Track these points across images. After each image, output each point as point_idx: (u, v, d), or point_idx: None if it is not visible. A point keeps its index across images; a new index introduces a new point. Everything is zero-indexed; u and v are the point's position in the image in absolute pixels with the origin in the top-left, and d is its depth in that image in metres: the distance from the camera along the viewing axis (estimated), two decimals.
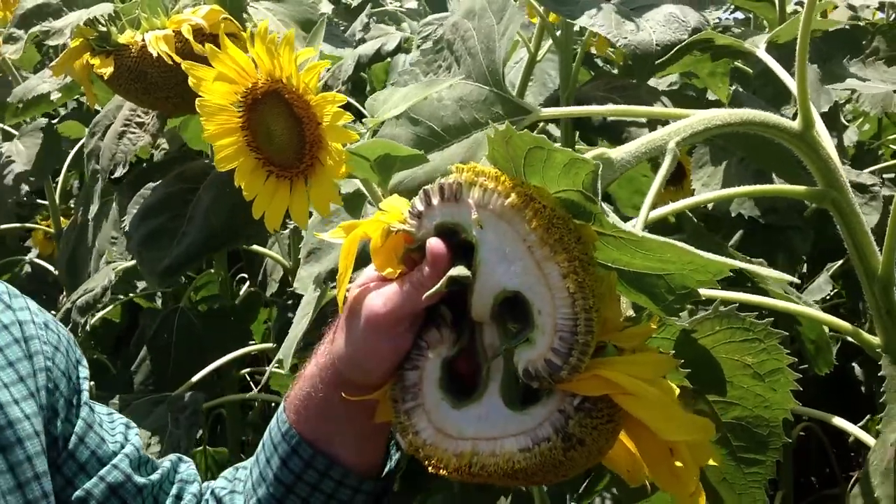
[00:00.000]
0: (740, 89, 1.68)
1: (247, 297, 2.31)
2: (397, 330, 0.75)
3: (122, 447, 0.91)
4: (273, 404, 2.52)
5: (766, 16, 2.15)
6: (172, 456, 0.97)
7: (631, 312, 0.77)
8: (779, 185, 1.00)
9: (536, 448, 0.70)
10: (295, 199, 0.95)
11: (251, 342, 2.23)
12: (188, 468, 0.96)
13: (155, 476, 0.92)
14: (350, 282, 0.79)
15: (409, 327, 0.76)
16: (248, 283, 2.52)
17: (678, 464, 0.72)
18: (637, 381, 0.69)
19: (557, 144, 0.69)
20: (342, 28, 2.28)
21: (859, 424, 1.25)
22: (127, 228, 1.68)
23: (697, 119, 0.81)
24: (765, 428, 0.83)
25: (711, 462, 0.75)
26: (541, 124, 1.37)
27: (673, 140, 0.79)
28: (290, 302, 1.76)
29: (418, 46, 1.55)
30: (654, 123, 1.49)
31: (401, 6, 2.62)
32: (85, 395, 0.91)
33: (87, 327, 1.95)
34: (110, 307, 2.28)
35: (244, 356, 2.10)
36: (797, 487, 2.23)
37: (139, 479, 0.89)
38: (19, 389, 0.83)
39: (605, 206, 0.68)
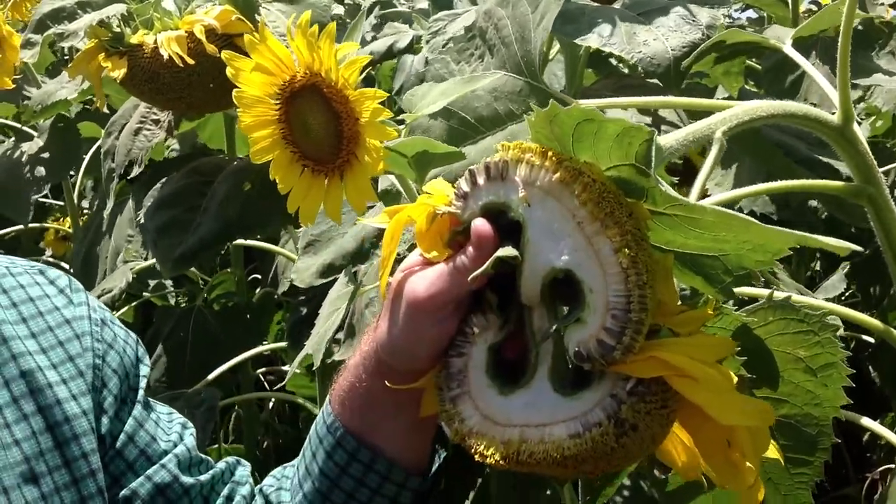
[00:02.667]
0: (746, 87, 1.67)
1: (262, 297, 2.31)
2: (441, 315, 0.73)
3: (175, 446, 0.90)
4: (288, 404, 2.53)
5: (777, 14, 2.15)
6: (231, 458, 0.96)
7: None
8: (813, 181, 0.99)
9: (587, 434, 0.67)
10: (330, 195, 0.95)
11: (266, 342, 2.23)
12: (244, 471, 0.95)
13: (205, 476, 0.90)
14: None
15: (454, 312, 0.74)
16: (261, 284, 2.52)
17: (736, 455, 0.69)
18: (695, 363, 0.66)
19: None
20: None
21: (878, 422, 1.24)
22: (142, 220, 1.68)
23: (743, 109, 0.81)
24: (814, 427, 0.79)
25: (772, 454, 0.72)
26: None
27: (720, 129, 0.78)
28: (301, 298, 1.75)
29: (427, 42, 1.55)
30: (658, 121, 1.49)
31: (412, 6, 2.62)
32: (141, 394, 0.90)
33: None
34: (125, 308, 2.27)
35: (259, 355, 2.11)
36: None
37: (187, 480, 0.88)
38: (78, 384, 0.83)
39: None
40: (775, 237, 0.65)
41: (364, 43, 1.97)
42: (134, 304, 2.34)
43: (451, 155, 0.91)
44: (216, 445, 2.17)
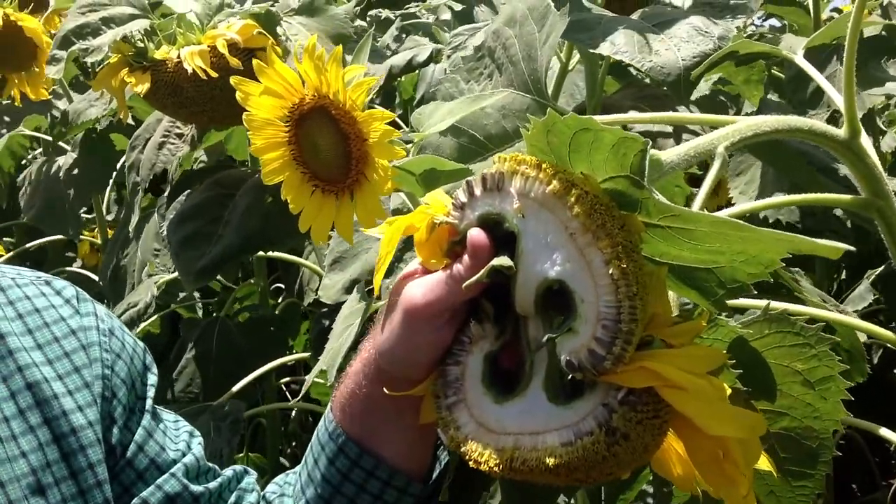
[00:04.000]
0: (770, 97, 1.67)
1: (286, 308, 2.33)
2: (437, 322, 0.74)
3: (184, 455, 0.90)
4: (311, 414, 2.54)
5: (799, 22, 2.14)
6: (238, 467, 0.97)
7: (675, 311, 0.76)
8: (824, 195, 0.98)
9: (579, 442, 0.68)
10: (341, 214, 0.96)
11: (291, 352, 2.25)
12: (250, 479, 0.96)
13: (213, 484, 0.91)
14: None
15: (450, 320, 0.75)
16: (284, 294, 2.54)
17: (729, 466, 0.70)
18: (684, 374, 0.67)
19: None
20: (376, 39, 2.30)
21: None
22: (165, 232, 1.71)
23: (746, 125, 0.80)
24: (814, 440, 0.80)
25: (764, 465, 0.73)
26: None
27: (722, 144, 0.78)
28: (324, 310, 1.77)
29: (448, 57, 1.56)
30: (680, 134, 1.49)
31: (436, 18, 2.64)
32: (149, 403, 0.91)
33: None
34: (151, 319, 2.30)
35: (282, 365, 2.13)
36: (837, 493, 2.21)
37: (196, 488, 0.89)
38: (84, 395, 0.84)
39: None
40: (768, 243, 0.66)
41: (383, 57, 1.99)
42: (160, 315, 2.36)
43: (458, 172, 0.92)
44: (241, 454, 2.19)
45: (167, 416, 0.94)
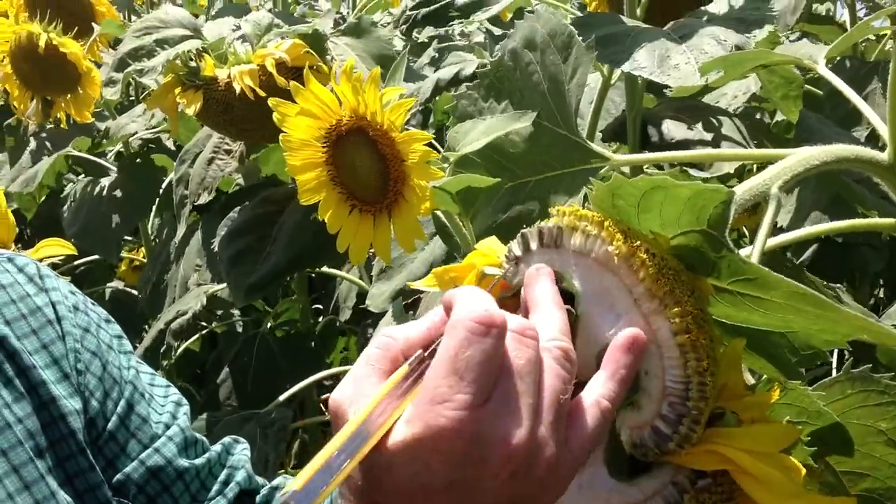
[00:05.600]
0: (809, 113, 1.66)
1: (325, 325, 2.35)
2: None
3: (168, 427, 0.87)
4: None
5: (831, 39, 2.13)
6: (227, 439, 0.93)
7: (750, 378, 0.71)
8: (867, 221, 0.96)
9: None
10: (378, 233, 0.98)
11: (328, 368, 2.27)
12: (241, 451, 0.92)
13: (200, 460, 0.88)
14: None
15: None
16: (322, 312, 2.56)
17: None
18: (757, 462, 0.62)
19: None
20: (412, 62, 2.32)
21: None
22: (216, 248, 1.74)
23: (796, 161, 0.78)
24: None
25: None
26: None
27: (775, 185, 0.76)
28: (369, 321, 1.80)
29: None
30: (718, 143, 1.49)
31: (468, 41, 2.65)
32: (129, 374, 0.87)
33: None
34: (193, 338, 2.33)
35: (319, 381, 2.14)
36: None
37: (181, 463, 0.86)
38: (54, 372, 0.81)
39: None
40: (843, 324, 0.61)
41: (420, 78, 2.01)
42: (200, 334, 2.39)
43: (495, 187, 0.93)
44: (281, 470, 2.21)
45: (157, 385, 0.91)
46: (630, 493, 0.64)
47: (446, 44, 2.30)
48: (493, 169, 0.98)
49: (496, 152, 0.99)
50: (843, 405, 0.74)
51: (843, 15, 2.12)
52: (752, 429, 0.65)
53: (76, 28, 2.08)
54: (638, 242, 0.64)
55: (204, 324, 2.34)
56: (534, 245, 0.68)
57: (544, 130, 0.97)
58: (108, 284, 2.68)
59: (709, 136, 1.51)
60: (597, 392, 0.61)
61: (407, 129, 0.93)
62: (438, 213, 1.04)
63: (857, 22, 1.98)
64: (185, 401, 0.91)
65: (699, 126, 1.53)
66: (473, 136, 0.97)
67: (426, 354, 0.60)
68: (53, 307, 0.84)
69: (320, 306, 2.63)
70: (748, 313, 0.65)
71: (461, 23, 1.88)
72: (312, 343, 2.20)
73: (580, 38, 0.94)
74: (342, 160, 0.97)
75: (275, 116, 0.96)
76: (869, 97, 1.68)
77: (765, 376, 0.71)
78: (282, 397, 1.90)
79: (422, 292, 1.30)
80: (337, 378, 2.48)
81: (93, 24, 2.22)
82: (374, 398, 0.57)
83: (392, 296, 1.36)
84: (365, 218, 0.99)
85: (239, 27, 1.76)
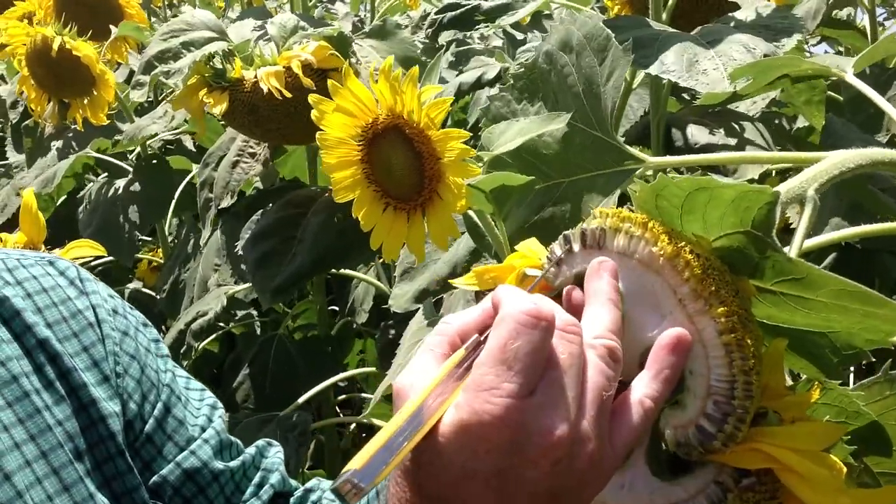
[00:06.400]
0: (834, 118, 1.67)
1: (342, 327, 2.36)
2: None
3: (204, 430, 0.88)
4: (365, 430, 2.56)
5: (854, 44, 2.13)
6: (261, 441, 0.94)
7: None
8: (889, 225, 0.97)
9: None
10: (412, 231, 0.99)
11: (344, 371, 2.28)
12: (275, 454, 0.93)
13: (235, 462, 0.89)
14: None
15: None
16: (338, 314, 2.57)
17: None
18: (803, 459, 0.62)
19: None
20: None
21: None
22: (240, 251, 1.75)
23: (831, 164, 0.78)
24: None
25: None
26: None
27: (811, 187, 0.75)
28: (389, 322, 1.81)
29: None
30: (743, 146, 1.50)
31: (487, 45, 2.67)
32: (166, 377, 0.88)
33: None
34: (211, 337, 2.34)
35: (336, 384, 2.15)
36: None
37: (217, 465, 0.87)
38: (94, 374, 0.82)
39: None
40: (893, 319, 0.61)
41: (441, 81, 2.02)
42: (218, 334, 2.40)
43: (528, 186, 0.94)
44: (299, 471, 2.22)
45: (192, 389, 0.92)
46: (673, 492, 0.64)
47: (464, 48, 2.31)
48: (526, 170, 0.99)
49: (529, 153, 1.00)
50: (882, 406, 0.74)
51: (863, 20, 2.12)
52: (795, 427, 0.65)
53: (91, 31, 2.09)
54: (683, 243, 0.64)
55: (221, 324, 2.35)
56: (576, 247, 0.68)
57: (578, 132, 0.98)
58: (127, 285, 2.69)
59: (732, 142, 1.52)
60: (641, 391, 0.62)
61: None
62: (470, 212, 1.05)
63: (876, 26, 1.99)
64: (220, 404, 0.92)
65: (721, 131, 1.54)
66: (508, 136, 0.98)
67: (482, 339, 0.61)
68: (94, 310, 0.85)
69: (335, 308, 2.64)
70: (790, 314, 0.66)
71: (481, 27, 1.89)
72: (330, 346, 2.21)
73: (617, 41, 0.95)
74: (377, 158, 0.98)
75: (313, 114, 0.97)
76: (892, 101, 1.69)
77: (804, 376, 0.71)
78: (300, 399, 1.92)
79: (445, 293, 1.31)
80: (353, 380, 2.50)
81: (110, 27, 2.24)
82: (431, 382, 0.58)
83: (415, 296, 1.37)
84: (399, 216, 1.00)
85: (264, 29, 1.77)
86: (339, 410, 2.65)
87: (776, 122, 1.93)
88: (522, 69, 1.04)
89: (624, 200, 0.94)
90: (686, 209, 0.64)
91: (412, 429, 0.56)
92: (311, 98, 0.97)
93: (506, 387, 0.57)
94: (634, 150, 0.93)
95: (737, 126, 1.53)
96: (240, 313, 2.45)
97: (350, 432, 2.63)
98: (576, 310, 0.65)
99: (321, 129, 0.98)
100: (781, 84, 1.60)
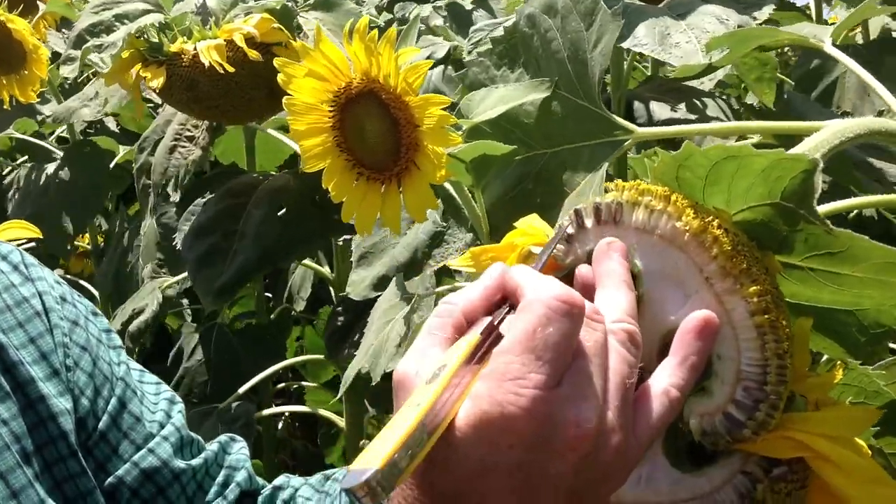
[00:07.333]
0: (796, 94, 1.67)
1: (280, 314, 2.30)
2: None
3: (162, 426, 0.82)
4: (299, 419, 2.51)
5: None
6: (223, 437, 0.88)
7: None
8: (884, 197, 0.95)
9: None
10: (387, 203, 0.94)
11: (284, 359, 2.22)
12: (239, 451, 0.87)
13: (197, 461, 0.83)
14: None
15: None
16: (273, 301, 2.51)
17: None
18: (839, 449, 0.59)
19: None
20: None
21: None
22: (180, 248, 1.66)
23: (831, 133, 0.74)
24: None
25: None
26: None
27: (817, 155, 0.73)
28: (339, 308, 1.75)
29: (468, 52, 1.54)
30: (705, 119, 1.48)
31: (427, 24, 2.62)
32: (120, 370, 0.81)
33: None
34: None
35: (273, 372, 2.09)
36: None
37: (177, 464, 0.81)
38: (43, 368, 0.75)
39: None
40: None
41: None
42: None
43: (510, 155, 0.89)
44: None
45: (147, 382, 0.85)
46: (697, 483, 0.61)
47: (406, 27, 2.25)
48: (507, 140, 0.93)
49: (510, 122, 0.95)
50: None
51: (807, 2, 2.14)
52: (829, 413, 0.61)
53: (21, 6, 2.00)
54: (710, 217, 0.60)
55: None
56: (589, 222, 0.63)
57: (562, 100, 0.93)
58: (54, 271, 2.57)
59: (694, 118, 1.50)
60: (666, 380, 0.58)
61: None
62: (446, 184, 1.00)
63: (821, 8, 2.00)
64: (178, 398, 0.86)
65: (682, 107, 1.52)
66: (488, 104, 0.93)
67: (496, 323, 0.56)
68: (40, 298, 0.77)
69: (269, 294, 2.57)
70: (816, 290, 0.62)
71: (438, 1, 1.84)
72: (270, 334, 2.14)
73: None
74: (350, 125, 0.92)
75: (280, 78, 0.90)
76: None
77: (825, 356, 0.68)
78: (241, 390, 1.85)
79: (407, 279, 1.26)
80: (294, 368, 2.44)
81: (38, 2, 2.13)
82: (448, 371, 0.53)
83: (374, 283, 1.32)
84: (373, 186, 0.94)
85: (203, 2, 1.69)
86: (277, 401, 2.59)
87: (724, 100, 1.93)
88: (502, 32, 1.00)
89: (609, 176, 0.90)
90: (710, 180, 0.60)
91: (434, 423, 0.51)
92: (277, 61, 0.91)
93: (533, 377, 0.53)
94: (623, 121, 0.89)
95: (698, 102, 1.51)
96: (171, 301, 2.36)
97: (285, 421, 2.57)
98: (587, 291, 0.60)
99: (288, 94, 0.92)
100: (742, 63, 1.59)
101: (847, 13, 3.05)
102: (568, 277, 0.63)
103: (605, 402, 0.55)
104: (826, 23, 2.05)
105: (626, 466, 0.57)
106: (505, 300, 0.58)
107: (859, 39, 2.02)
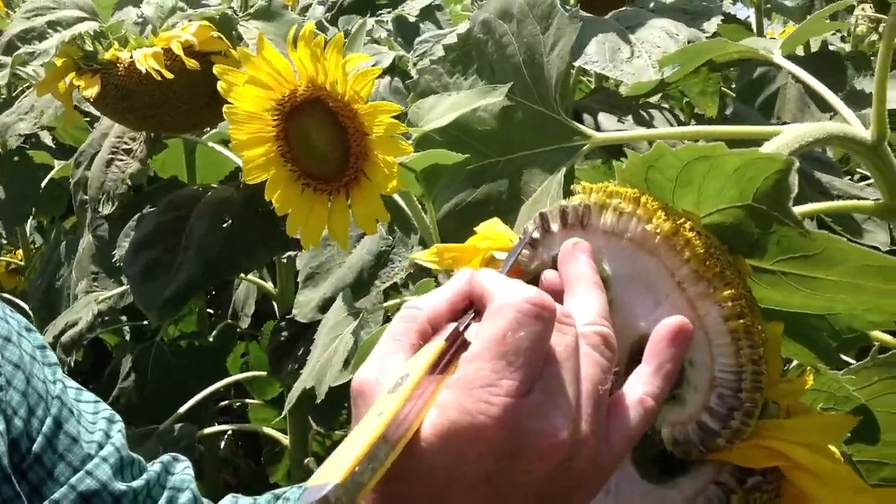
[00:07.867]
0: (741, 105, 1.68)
1: (222, 331, 2.24)
2: None
3: (101, 447, 0.78)
4: (243, 437, 2.45)
5: (736, 38, 2.16)
6: (166, 456, 0.84)
7: None
8: (850, 202, 0.95)
9: None
10: (335, 215, 0.91)
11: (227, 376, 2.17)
12: (183, 471, 0.83)
13: (138, 482, 0.79)
14: None
15: None
16: (216, 317, 2.45)
17: None
18: (817, 457, 0.57)
19: None
20: None
21: None
22: (121, 263, 1.61)
23: (792, 136, 0.73)
24: None
25: None
26: None
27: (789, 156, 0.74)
28: (282, 324, 1.70)
29: (414, 64, 1.51)
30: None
31: (371, 36, 2.60)
32: (56, 388, 0.77)
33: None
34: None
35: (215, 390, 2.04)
36: None
37: (118, 486, 0.77)
38: None
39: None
40: None
41: None
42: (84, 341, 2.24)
43: (462, 165, 0.87)
44: None
45: (85, 398, 0.81)
46: (667, 495, 0.58)
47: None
48: (458, 148, 0.91)
49: (462, 131, 0.92)
50: (870, 392, 0.69)
51: (748, 16, 2.16)
52: (804, 420, 0.60)
53: None
54: (682, 220, 0.58)
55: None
56: (555, 226, 0.61)
57: (518, 106, 0.91)
58: None
59: (641, 130, 1.49)
60: (640, 389, 0.56)
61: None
62: (395, 195, 0.97)
63: (762, 22, 2.02)
64: (117, 417, 0.81)
65: (630, 119, 1.51)
66: (438, 111, 0.90)
67: (462, 329, 0.53)
68: None
69: (211, 311, 2.51)
70: (786, 295, 0.60)
71: (389, 11, 1.82)
72: (212, 352, 2.09)
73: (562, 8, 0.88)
74: (295, 134, 0.89)
75: (220, 86, 0.87)
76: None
77: (794, 362, 0.66)
78: (181, 409, 1.80)
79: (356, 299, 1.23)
80: (238, 385, 2.38)
81: None
82: (413, 379, 0.49)
83: (320, 304, 1.30)
84: (319, 198, 0.91)
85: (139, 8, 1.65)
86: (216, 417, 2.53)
87: (670, 111, 1.93)
88: (455, 40, 0.97)
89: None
90: (681, 182, 0.58)
91: (397, 434, 0.48)
92: (217, 68, 0.87)
93: (505, 384, 0.50)
94: (580, 126, 0.87)
95: (644, 114, 1.50)
96: (108, 318, 2.29)
97: (228, 439, 2.51)
98: (555, 297, 0.57)
99: (229, 103, 0.88)
100: (685, 78, 1.59)
101: (781, 28, 3.11)
102: (533, 283, 0.59)
103: (578, 410, 0.52)
104: (765, 36, 2.07)
105: (599, 475, 0.54)
106: (471, 307, 0.55)
107: (800, 52, 2.04)
